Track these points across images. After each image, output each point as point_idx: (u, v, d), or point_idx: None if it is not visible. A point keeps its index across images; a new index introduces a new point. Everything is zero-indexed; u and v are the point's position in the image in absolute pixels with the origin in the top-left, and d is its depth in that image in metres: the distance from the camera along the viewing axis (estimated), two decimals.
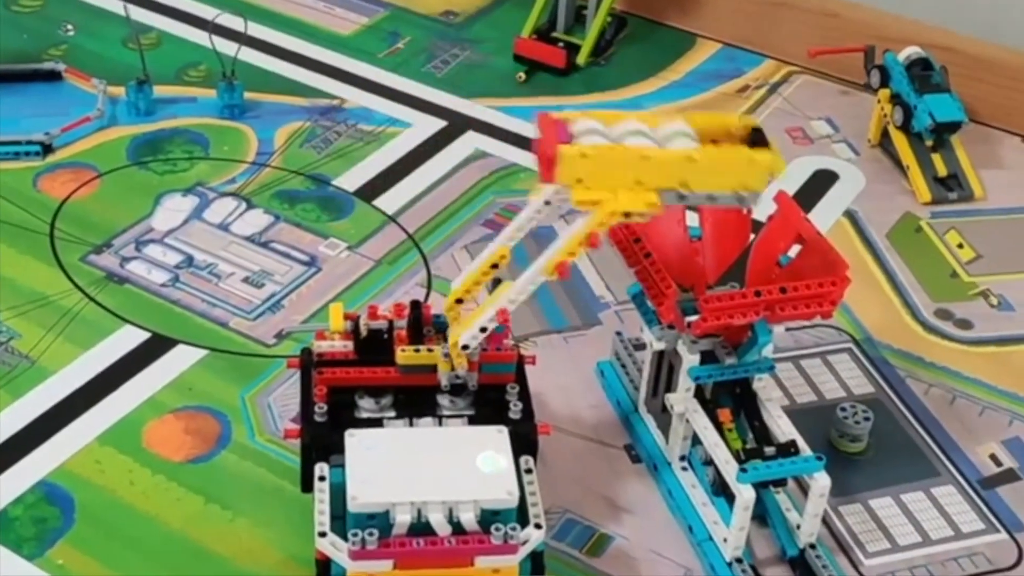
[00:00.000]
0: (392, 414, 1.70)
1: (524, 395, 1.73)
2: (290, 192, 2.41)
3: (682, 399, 1.81)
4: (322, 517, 1.57)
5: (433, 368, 1.70)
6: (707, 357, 1.79)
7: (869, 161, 2.59)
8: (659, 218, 1.80)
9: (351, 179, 2.45)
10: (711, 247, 1.87)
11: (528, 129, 2.60)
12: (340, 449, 1.62)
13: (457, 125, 2.61)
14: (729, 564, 1.75)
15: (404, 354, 1.69)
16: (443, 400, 1.72)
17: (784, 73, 2.84)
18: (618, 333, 2.05)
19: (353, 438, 1.62)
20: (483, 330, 1.66)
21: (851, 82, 2.79)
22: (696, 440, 1.82)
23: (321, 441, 1.66)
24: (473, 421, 1.70)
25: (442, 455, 1.62)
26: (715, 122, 1.64)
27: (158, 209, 2.34)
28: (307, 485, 1.68)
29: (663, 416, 1.90)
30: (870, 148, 2.61)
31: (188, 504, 1.83)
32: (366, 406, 1.70)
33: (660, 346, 1.83)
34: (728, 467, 1.72)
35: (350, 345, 1.72)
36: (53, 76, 2.64)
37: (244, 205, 2.37)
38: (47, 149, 2.44)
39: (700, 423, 1.78)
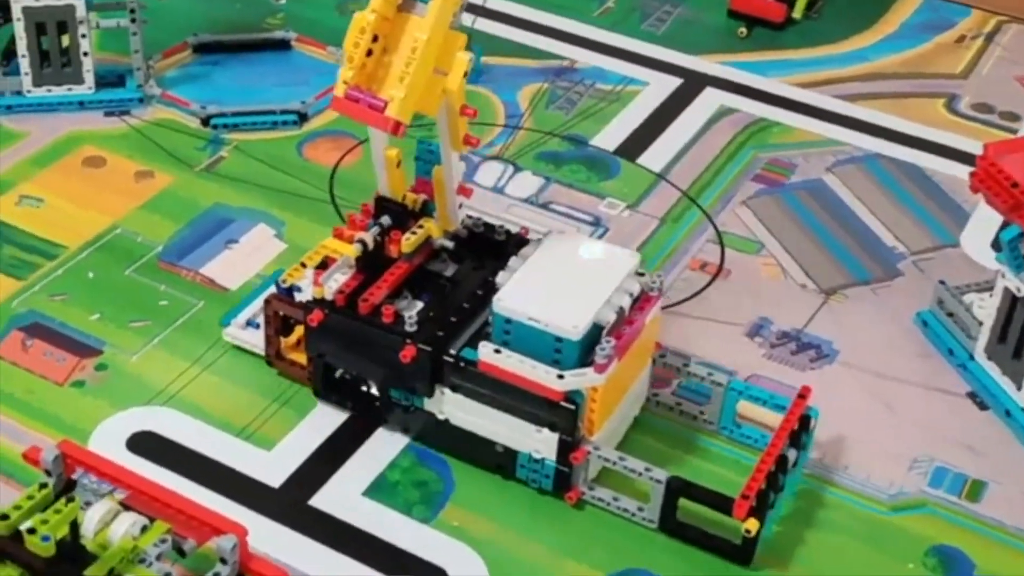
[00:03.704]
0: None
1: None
2: (553, 153, 2.40)
3: None
4: None
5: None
6: None
7: None
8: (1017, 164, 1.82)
9: (606, 139, 2.44)
10: None
11: (765, 84, 2.60)
12: None
13: (693, 82, 2.60)
14: None
15: (408, 242, 1.81)
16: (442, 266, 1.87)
17: (995, 23, 2.84)
18: (941, 282, 2.05)
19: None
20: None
21: None
22: None
23: None
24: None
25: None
26: None
27: None
28: None
29: (1013, 363, 1.91)
30: None
31: None
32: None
33: None
34: None
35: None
36: (282, 45, 2.62)
37: (511, 168, 2.36)
38: (303, 118, 2.42)
39: None
